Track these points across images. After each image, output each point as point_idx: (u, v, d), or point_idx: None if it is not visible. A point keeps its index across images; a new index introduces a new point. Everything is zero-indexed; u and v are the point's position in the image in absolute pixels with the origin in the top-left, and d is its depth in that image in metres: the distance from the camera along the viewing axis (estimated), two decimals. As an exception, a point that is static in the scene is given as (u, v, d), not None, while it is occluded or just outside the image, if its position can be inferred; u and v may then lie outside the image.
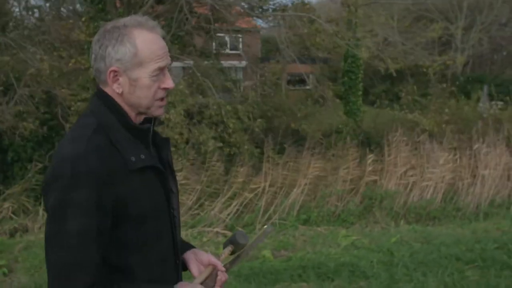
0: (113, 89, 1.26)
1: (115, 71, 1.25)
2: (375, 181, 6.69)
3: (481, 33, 22.19)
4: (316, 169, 6.52)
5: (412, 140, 7.25)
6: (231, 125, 7.43)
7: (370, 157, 6.93)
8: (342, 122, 10.88)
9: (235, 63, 25.52)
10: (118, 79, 1.26)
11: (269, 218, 6.26)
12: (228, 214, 6.28)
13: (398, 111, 12.37)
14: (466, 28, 22.48)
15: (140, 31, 1.25)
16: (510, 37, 21.74)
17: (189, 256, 1.44)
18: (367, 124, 10.99)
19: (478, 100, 13.88)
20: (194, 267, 1.41)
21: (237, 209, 6.39)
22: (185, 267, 1.44)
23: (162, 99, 1.30)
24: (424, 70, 22.96)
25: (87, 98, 7.26)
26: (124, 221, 1.21)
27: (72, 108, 7.09)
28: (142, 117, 1.32)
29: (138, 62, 1.24)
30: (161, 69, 1.27)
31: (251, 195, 6.47)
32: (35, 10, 10.55)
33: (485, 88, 15.99)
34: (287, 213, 6.29)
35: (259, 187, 6.41)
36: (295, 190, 6.38)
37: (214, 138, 7.86)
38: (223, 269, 1.38)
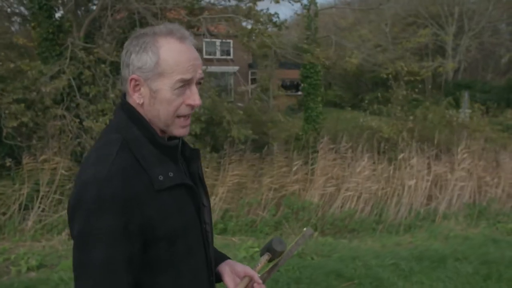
0: (134, 99, 1.18)
1: (135, 79, 1.16)
2: (299, 190, 6.50)
3: (472, 39, 21.81)
4: (235, 177, 6.36)
5: (337, 148, 7.03)
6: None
7: (296, 164, 6.73)
8: (302, 129, 10.71)
9: (227, 68, 25.66)
10: (139, 89, 1.17)
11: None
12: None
13: (363, 117, 12.13)
14: (457, 34, 22.12)
15: (167, 40, 1.16)
16: (502, 44, 21.27)
17: (224, 268, 1.38)
18: (328, 131, 10.78)
19: (446, 107, 13.55)
20: (229, 280, 1.34)
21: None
22: (220, 279, 1.37)
23: (185, 117, 1.20)
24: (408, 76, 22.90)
25: (20, 99, 7.19)
26: (153, 243, 1.14)
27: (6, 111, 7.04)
28: (166, 136, 1.23)
29: (159, 72, 1.14)
30: (186, 82, 1.16)
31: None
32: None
33: (466, 94, 15.62)
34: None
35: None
36: (213, 198, 6.24)
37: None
38: (260, 281, 1.32)
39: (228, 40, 25.38)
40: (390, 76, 21.59)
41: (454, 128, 11.15)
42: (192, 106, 1.18)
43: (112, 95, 7.46)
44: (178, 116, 1.18)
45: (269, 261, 1.42)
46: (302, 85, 10.72)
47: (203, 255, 1.27)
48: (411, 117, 11.02)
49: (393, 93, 11.71)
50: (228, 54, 26.70)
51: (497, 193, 6.89)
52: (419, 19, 22.57)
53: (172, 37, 1.16)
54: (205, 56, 24.84)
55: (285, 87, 27.28)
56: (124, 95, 1.22)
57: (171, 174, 1.16)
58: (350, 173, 6.49)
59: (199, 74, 1.18)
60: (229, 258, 1.43)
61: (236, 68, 24.88)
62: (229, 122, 7.90)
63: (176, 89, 1.15)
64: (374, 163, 6.96)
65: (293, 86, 28.36)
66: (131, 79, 1.17)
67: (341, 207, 6.28)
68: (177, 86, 1.15)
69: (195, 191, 1.23)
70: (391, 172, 6.66)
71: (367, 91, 26.47)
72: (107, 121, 7.38)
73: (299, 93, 27.40)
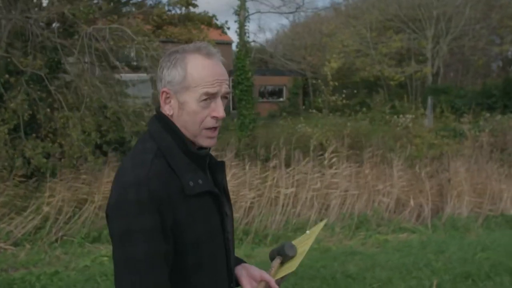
0: (165, 110, 1.29)
1: (166, 92, 1.28)
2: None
3: (450, 43, 21.45)
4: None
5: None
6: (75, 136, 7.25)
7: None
8: (236, 137, 10.61)
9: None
10: (170, 101, 1.29)
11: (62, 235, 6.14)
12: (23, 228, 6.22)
13: (299, 124, 11.95)
14: (436, 38, 21.78)
15: (195, 56, 1.26)
16: (476, 47, 20.86)
17: (241, 271, 1.45)
18: (262, 139, 10.70)
19: (384, 111, 13.29)
20: (246, 283, 1.41)
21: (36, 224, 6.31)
22: (236, 282, 1.44)
23: (212, 129, 1.29)
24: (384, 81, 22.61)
25: None
26: (179, 246, 1.22)
27: None
28: (195, 146, 1.32)
29: (185, 85, 1.25)
30: (210, 96, 1.25)
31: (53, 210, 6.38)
32: None
33: (429, 99, 15.30)
34: (78, 230, 6.16)
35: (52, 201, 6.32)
36: (86, 205, 6.25)
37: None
38: (276, 286, 1.38)
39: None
40: (371, 79, 21.37)
41: (395, 134, 10.96)
42: (216, 118, 1.27)
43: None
44: (205, 128, 1.27)
45: (280, 264, 1.46)
46: (235, 91, 10.64)
47: (224, 263, 1.33)
48: (348, 124, 10.86)
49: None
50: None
51: (387, 202, 6.73)
52: (398, 24, 22.29)
53: (199, 54, 1.26)
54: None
55: (265, 94, 27.20)
56: (158, 106, 1.33)
57: (200, 181, 1.25)
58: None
59: (224, 88, 1.28)
60: (245, 262, 1.50)
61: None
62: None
63: (201, 101, 1.24)
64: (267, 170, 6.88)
65: (275, 93, 28.21)
66: (163, 92, 1.28)
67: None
68: (202, 99, 1.24)
69: (220, 199, 1.31)
70: (275, 180, 6.56)
71: (352, 96, 26.27)
72: (6, 130, 7.48)
73: (281, 99, 27.44)
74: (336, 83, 13.70)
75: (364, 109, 14.87)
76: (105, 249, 5.65)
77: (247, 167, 6.74)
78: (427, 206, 6.63)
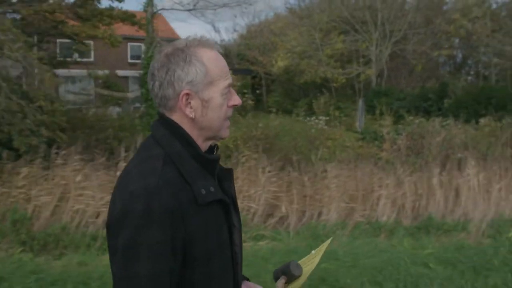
0: (186, 114, 1.20)
1: (187, 94, 1.19)
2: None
3: (393, 46, 21.59)
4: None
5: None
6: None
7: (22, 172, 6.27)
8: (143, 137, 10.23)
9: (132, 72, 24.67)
10: (189, 103, 1.20)
11: None
12: None
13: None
14: (380, 40, 21.89)
15: (203, 50, 1.21)
16: (419, 52, 21.05)
17: None
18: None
19: (298, 114, 13.17)
20: None
21: None
22: None
23: (228, 118, 1.26)
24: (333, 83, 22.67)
25: None
26: (190, 260, 1.14)
27: None
28: (207, 144, 1.27)
29: (209, 81, 1.20)
30: (229, 86, 1.24)
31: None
32: None
33: (360, 102, 15.26)
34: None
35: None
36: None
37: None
38: None
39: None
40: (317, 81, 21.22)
41: (308, 136, 10.80)
42: (235, 106, 1.26)
43: None
44: (225, 119, 1.24)
45: (286, 283, 1.43)
46: (141, 89, 10.22)
47: (231, 277, 1.27)
48: (260, 125, 10.62)
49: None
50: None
51: (255, 208, 6.49)
52: (343, 25, 22.31)
53: (205, 47, 1.21)
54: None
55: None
56: (159, 113, 1.24)
57: (212, 189, 1.18)
58: (79, 182, 6.05)
59: (230, 77, 1.25)
60: (248, 279, 1.47)
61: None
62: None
63: (224, 94, 1.22)
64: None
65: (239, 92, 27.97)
66: (184, 95, 1.18)
67: (71, 221, 5.84)
68: (226, 92, 1.22)
69: (230, 209, 1.25)
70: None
71: (300, 97, 26.25)
72: None
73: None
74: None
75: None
76: None
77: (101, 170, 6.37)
78: (294, 212, 6.42)
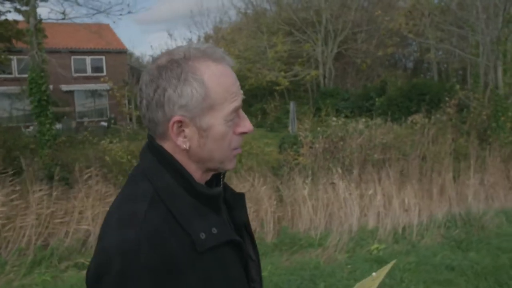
0: (177, 145, 0.95)
1: (179, 121, 0.93)
2: None
3: (338, 46, 21.14)
4: None
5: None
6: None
7: None
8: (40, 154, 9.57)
9: (98, 86, 24.32)
10: (183, 131, 0.95)
11: None
12: None
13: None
14: (326, 40, 21.43)
15: (206, 64, 0.94)
16: (362, 51, 20.61)
17: None
18: (66, 157, 9.67)
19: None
20: None
21: None
22: None
23: (238, 148, 1.01)
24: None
25: None
26: None
27: None
28: (210, 174, 1.02)
29: (209, 104, 0.93)
30: (236, 110, 0.97)
31: None
32: None
33: (292, 105, 14.63)
34: None
35: None
36: None
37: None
38: None
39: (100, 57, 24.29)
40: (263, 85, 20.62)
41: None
42: (245, 134, 1.01)
43: None
44: (232, 149, 1.00)
45: None
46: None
47: None
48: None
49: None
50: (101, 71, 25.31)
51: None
52: (287, 27, 21.83)
53: (209, 60, 0.95)
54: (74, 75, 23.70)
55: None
56: (150, 136, 1.00)
57: (214, 231, 0.96)
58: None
59: (242, 96, 0.99)
60: None
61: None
62: None
63: (230, 120, 0.96)
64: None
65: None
66: (175, 122, 0.93)
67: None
68: (231, 118, 0.96)
69: (242, 247, 1.02)
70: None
71: (254, 102, 25.74)
72: None
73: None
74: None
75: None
76: None
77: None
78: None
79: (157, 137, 0.98)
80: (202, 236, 0.93)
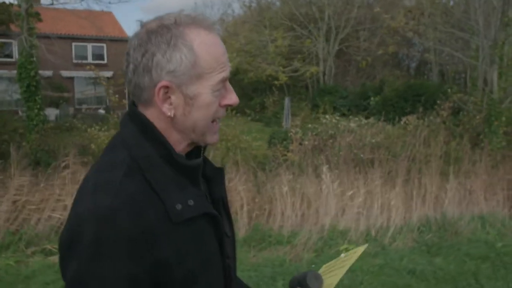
0: (162, 112, 0.93)
1: (166, 86, 0.92)
2: None
3: (340, 43, 20.98)
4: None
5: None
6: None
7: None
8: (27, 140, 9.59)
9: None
10: (169, 97, 0.93)
11: None
12: None
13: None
14: (327, 37, 21.27)
15: (198, 32, 0.92)
16: (363, 49, 20.43)
17: None
18: (53, 143, 9.68)
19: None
20: None
21: None
22: None
23: (217, 121, 0.99)
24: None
25: None
26: (168, 285, 0.90)
27: None
28: (191, 147, 1.02)
29: (197, 73, 0.92)
30: (224, 81, 0.96)
31: None
32: None
33: (286, 100, 14.53)
34: None
35: None
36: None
37: None
38: None
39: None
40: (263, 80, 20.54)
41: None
42: (230, 106, 0.99)
43: None
44: (213, 121, 0.98)
45: None
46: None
47: None
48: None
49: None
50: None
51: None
52: (290, 22, 21.68)
53: (200, 27, 0.93)
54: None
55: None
56: (133, 103, 0.98)
57: (191, 202, 0.94)
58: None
59: (229, 68, 0.98)
60: None
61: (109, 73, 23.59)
62: None
63: (217, 90, 0.95)
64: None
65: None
66: (161, 87, 0.91)
67: None
68: (219, 88, 0.95)
69: (219, 221, 1.01)
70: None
71: (253, 96, 25.63)
72: None
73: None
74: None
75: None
76: None
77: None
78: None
79: (140, 105, 0.97)
80: (178, 207, 0.92)
